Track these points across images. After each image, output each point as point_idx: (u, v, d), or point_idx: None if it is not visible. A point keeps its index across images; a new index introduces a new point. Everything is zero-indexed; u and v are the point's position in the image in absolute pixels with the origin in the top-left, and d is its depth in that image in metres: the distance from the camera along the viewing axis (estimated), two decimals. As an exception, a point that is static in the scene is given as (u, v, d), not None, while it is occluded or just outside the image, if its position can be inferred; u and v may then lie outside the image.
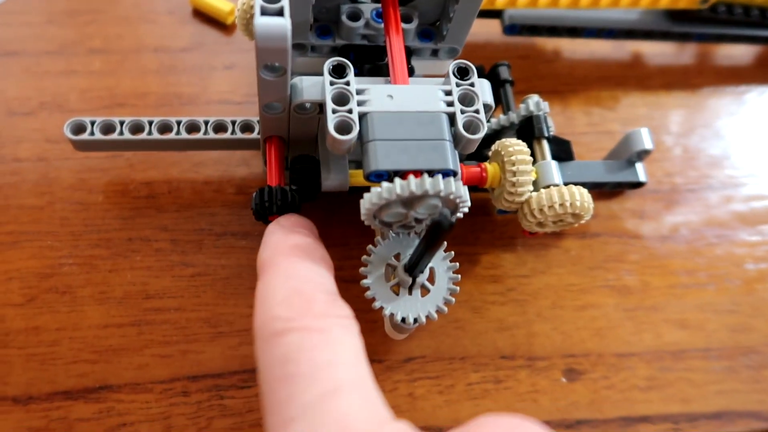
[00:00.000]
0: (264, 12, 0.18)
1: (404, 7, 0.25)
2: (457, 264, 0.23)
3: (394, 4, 0.24)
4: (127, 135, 0.27)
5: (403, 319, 0.21)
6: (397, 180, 0.20)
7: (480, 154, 0.29)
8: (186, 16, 0.36)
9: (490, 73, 0.32)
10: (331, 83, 0.21)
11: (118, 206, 0.28)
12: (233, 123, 0.27)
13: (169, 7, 0.36)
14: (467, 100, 0.22)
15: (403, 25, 0.25)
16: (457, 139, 0.22)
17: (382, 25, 0.25)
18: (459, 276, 0.22)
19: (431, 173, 0.21)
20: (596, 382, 0.27)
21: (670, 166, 0.34)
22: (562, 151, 0.29)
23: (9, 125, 0.30)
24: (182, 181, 0.29)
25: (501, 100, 0.31)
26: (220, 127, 0.27)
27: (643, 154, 0.30)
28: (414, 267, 0.21)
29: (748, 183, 0.34)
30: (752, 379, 0.28)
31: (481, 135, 0.21)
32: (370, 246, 0.22)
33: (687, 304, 0.30)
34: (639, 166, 0.30)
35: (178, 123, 0.27)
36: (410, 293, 0.22)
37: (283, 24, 0.18)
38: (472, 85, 0.22)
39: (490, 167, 0.25)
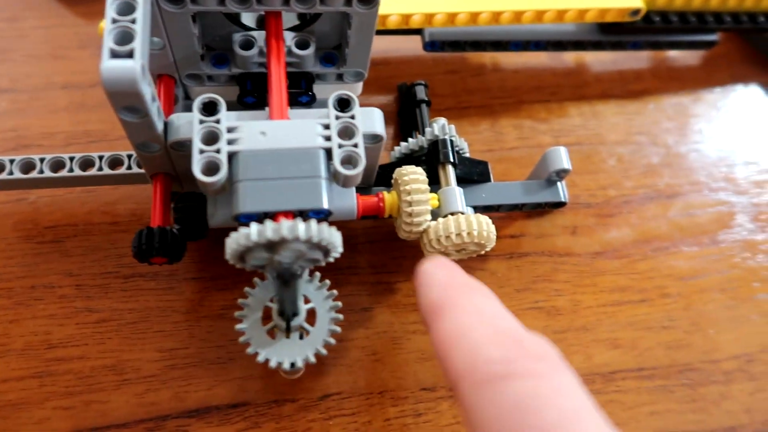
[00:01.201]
0: (114, 54, 0.18)
1: (300, 33, 0.25)
2: (340, 303, 0.23)
3: (277, 34, 0.23)
4: (18, 174, 0.26)
5: (280, 365, 0.21)
6: (253, 225, 0.19)
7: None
8: (97, 50, 0.35)
9: (406, 93, 0.32)
10: (201, 121, 0.21)
11: (21, 252, 0.28)
12: (129, 157, 0.27)
13: (79, 42, 0.35)
14: (347, 133, 0.22)
15: (300, 52, 0.24)
16: (336, 175, 0.21)
17: None
18: (341, 316, 0.22)
19: (304, 213, 0.20)
20: (523, 410, 0.27)
21: (604, 178, 0.34)
22: (478, 173, 0.29)
23: None
24: (90, 222, 0.29)
25: (417, 122, 0.31)
26: (116, 162, 0.27)
27: (562, 173, 0.29)
28: (281, 311, 0.21)
29: (688, 192, 0.34)
30: (688, 398, 0.28)
31: (359, 170, 0.21)
32: (247, 288, 0.22)
33: (619, 323, 0.29)
34: (560, 185, 0.30)
35: (71, 159, 0.27)
36: (288, 336, 0.21)
37: (132, 67, 0.18)
38: (352, 117, 0.22)
39: (388, 196, 0.25)
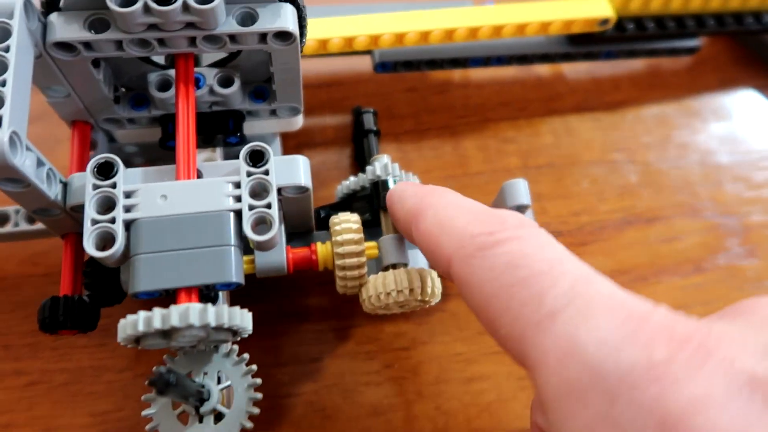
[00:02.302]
0: None
1: (224, 68, 0.24)
2: (259, 380, 0.21)
3: (187, 79, 0.22)
4: None
5: None
6: (142, 313, 0.18)
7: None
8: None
9: (354, 121, 0.30)
10: (95, 187, 0.19)
11: None
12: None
13: None
14: (261, 191, 0.20)
15: (224, 90, 0.23)
16: (248, 240, 0.20)
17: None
18: (260, 395, 0.21)
19: (210, 288, 0.19)
20: (485, 468, 0.26)
21: (577, 202, 0.32)
22: None
23: None
24: (18, 276, 0.28)
25: (364, 154, 0.29)
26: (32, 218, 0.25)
27: (522, 209, 0.27)
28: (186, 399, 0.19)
29: (670, 214, 0.31)
30: None
31: (273, 233, 0.19)
32: (156, 367, 0.20)
33: None
34: None
35: None
36: (200, 421, 0.20)
37: None
38: (266, 173, 0.20)
39: (321, 248, 0.23)
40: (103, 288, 0.22)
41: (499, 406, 0.27)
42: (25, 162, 0.18)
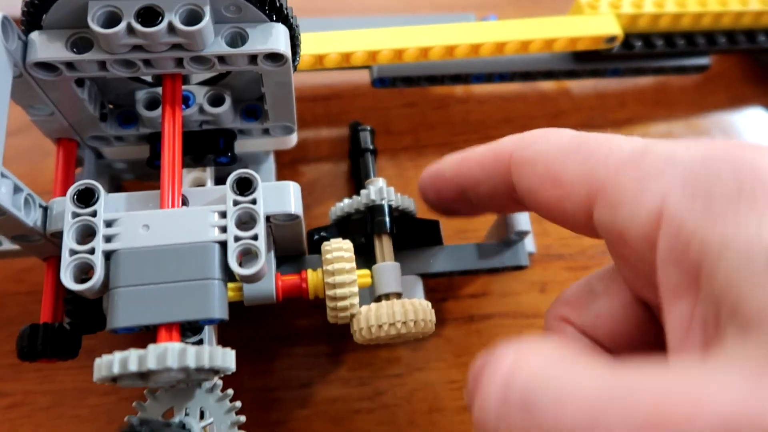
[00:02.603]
0: None
1: (215, 87, 0.23)
2: (243, 418, 0.20)
3: (173, 100, 0.21)
4: None
5: None
6: (117, 354, 0.17)
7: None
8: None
9: (351, 137, 0.29)
10: (74, 215, 0.18)
11: None
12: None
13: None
14: (248, 221, 0.19)
15: (213, 110, 0.22)
16: (233, 273, 0.19)
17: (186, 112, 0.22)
18: None
19: (193, 324, 0.18)
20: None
21: None
22: (428, 236, 0.26)
23: None
24: (2, 294, 0.27)
25: (361, 173, 0.28)
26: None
27: (523, 234, 0.26)
28: None
29: None
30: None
31: (259, 266, 0.18)
32: (137, 402, 0.19)
33: None
34: (520, 246, 0.26)
35: None
36: None
37: None
38: (254, 201, 0.19)
39: (312, 276, 0.22)
40: (84, 316, 0.21)
41: (493, 438, 0.26)
42: (0, 190, 0.17)
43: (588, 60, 0.32)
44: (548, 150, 0.17)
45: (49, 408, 0.25)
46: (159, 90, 0.23)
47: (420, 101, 0.34)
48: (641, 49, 0.31)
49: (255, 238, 0.18)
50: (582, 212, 0.16)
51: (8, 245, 0.24)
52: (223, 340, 0.22)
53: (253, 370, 0.26)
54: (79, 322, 0.21)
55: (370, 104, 0.33)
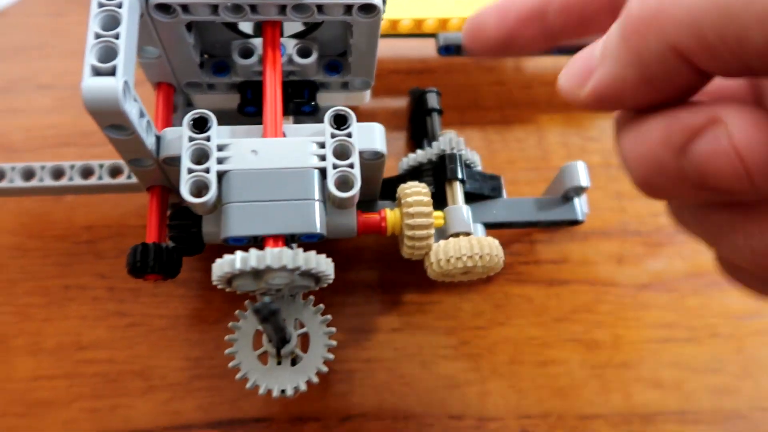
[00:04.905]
0: (96, 72, 0.16)
1: (304, 40, 0.23)
2: (334, 329, 0.20)
3: (274, 45, 0.21)
4: (18, 182, 0.25)
5: (269, 392, 0.20)
6: (238, 253, 0.18)
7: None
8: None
9: (417, 101, 0.29)
10: (190, 139, 0.19)
11: (56, 252, 0.27)
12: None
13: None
14: (344, 152, 0.19)
15: (302, 60, 0.22)
16: (330, 197, 0.19)
17: None
18: (335, 342, 0.20)
19: (295, 237, 0.18)
20: (553, 446, 0.23)
21: (656, 204, 0.30)
22: (490, 189, 0.26)
23: None
24: (124, 225, 0.27)
25: (428, 130, 0.28)
26: (116, 171, 0.25)
27: (579, 190, 0.26)
28: (270, 340, 0.19)
29: None
30: (734, 448, 0.26)
31: (354, 191, 0.19)
32: (239, 311, 0.20)
33: (663, 362, 0.26)
34: (576, 202, 0.26)
35: (72, 167, 0.25)
36: (279, 362, 0.20)
37: (113, 86, 0.16)
38: (349, 135, 0.19)
39: (390, 214, 0.22)
40: (185, 239, 0.21)
41: (571, 391, 0.25)
42: (132, 110, 0.17)
43: None
44: None
45: (163, 330, 0.25)
46: (253, 41, 0.23)
47: (508, 80, 0.32)
48: None
49: (351, 166, 0.19)
50: None
51: (107, 179, 0.25)
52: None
53: (348, 312, 0.26)
54: (181, 245, 0.22)
55: (462, 81, 0.32)
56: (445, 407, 0.25)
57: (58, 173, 0.25)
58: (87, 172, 0.25)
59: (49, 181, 0.24)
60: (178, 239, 0.21)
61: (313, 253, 0.18)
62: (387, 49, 0.31)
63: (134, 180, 0.24)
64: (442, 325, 0.27)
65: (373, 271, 0.28)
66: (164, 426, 0.24)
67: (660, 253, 0.29)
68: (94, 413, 0.24)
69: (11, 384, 0.25)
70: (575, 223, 0.27)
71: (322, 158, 0.19)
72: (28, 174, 0.25)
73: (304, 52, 0.23)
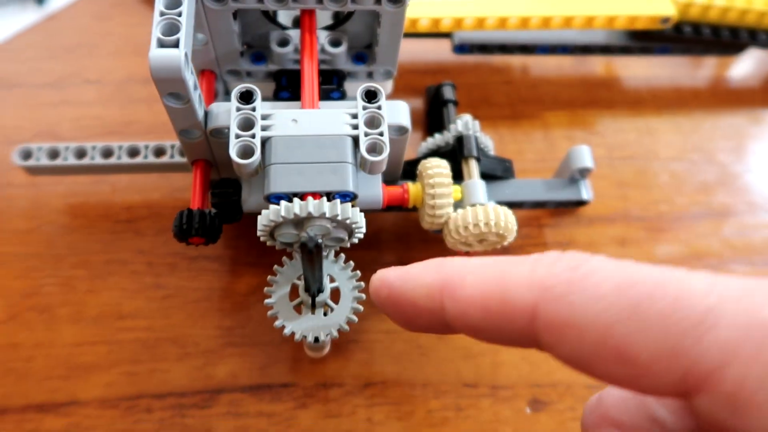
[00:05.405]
0: (161, 44, 0.18)
1: (334, 31, 0.25)
2: (363, 284, 0.22)
3: (310, 30, 0.23)
4: (72, 160, 0.26)
5: (305, 338, 0.21)
6: (283, 202, 0.19)
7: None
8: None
9: (433, 95, 0.30)
10: (238, 109, 0.21)
11: (99, 230, 0.28)
12: (172, 147, 0.27)
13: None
14: (374, 122, 0.21)
15: (333, 50, 0.24)
16: (362, 161, 0.21)
17: None
18: (363, 295, 0.22)
19: (330, 195, 0.20)
20: (562, 413, 0.25)
21: (657, 193, 0.31)
22: (502, 170, 0.27)
23: (5, 153, 0.30)
24: (162, 205, 0.29)
25: (444, 120, 0.29)
26: (160, 151, 0.27)
27: (585, 172, 0.27)
28: (307, 287, 0.21)
29: (743, 211, 0.31)
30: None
31: (384, 156, 0.20)
32: (276, 266, 0.22)
33: None
34: (582, 184, 0.28)
35: (120, 148, 0.26)
36: (313, 312, 0.21)
37: (177, 56, 0.18)
38: (379, 108, 0.21)
39: (413, 187, 0.24)
40: (227, 206, 0.23)
41: (579, 363, 0.29)
42: (189, 80, 0.19)
43: (642, 38, 0.33)
44: (595, 310, 0.13)
45: (197, 301, 0.27)
46: (289, 32, 0.25)
47: (516, 80, 0.34)
48: (690, 35, 0.32)
49: (381, 134, 0.21)
50: (669, 393, 0.12)
51: (152, 159, 0.27)
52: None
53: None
54: (222, 211, 0.23)
55: (474, 80, 0.34)
56: (460, 376, 0.27)
57: (107, 153, 0.27)
58: (134, 152, 0.26)
59: (99, 160, 0.26)
60: (220, 205, 0.23)
61: (348, 204, 0.20)
62: (405, 51, 0.33)
63: (176, 159, 0.26)
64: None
65: (393, 251, 0.30)
66: (198, 389, 0.26)
67: (660, 237, 0.31)
68: (133, 376, 0.26)
69: (56, 349, 0.26)
70: (581, 203, 0.29)
71: (355, 127, 0.21)
72: (81, 153, 0.27)
73: (335, 42, 0.25)
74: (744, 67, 0.37)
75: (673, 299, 0.12)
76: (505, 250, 0.29)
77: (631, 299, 0.13)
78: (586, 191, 0.28)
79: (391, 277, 0.17)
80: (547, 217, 0.30)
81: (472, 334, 0.15)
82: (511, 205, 0.27)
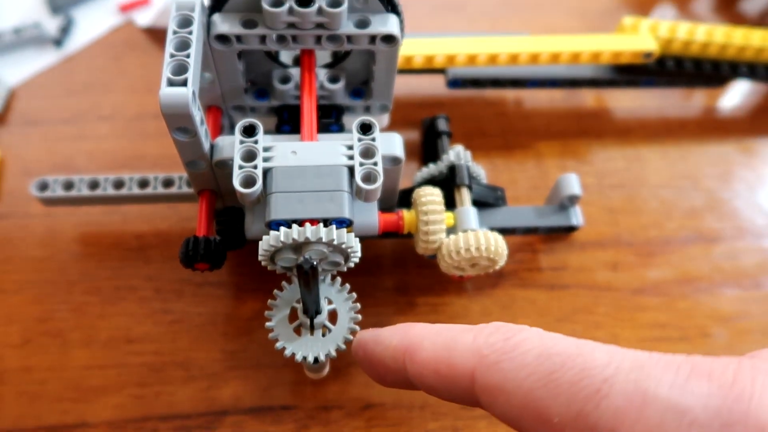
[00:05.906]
0: (170, 83, 0.19)
1: (333, 69, 0.26)
2: (359, 305, 0.22)
3: (310, 69, 0.24)
4: (85, 191, 0.28)
5: (304, 358, 0.22)
6: (283, 228, 0.20)
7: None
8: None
9: (428, 127, 0.31)
10: (241, 142, 0.22)
11: (110, 257, 0.29)
12: (180, 178, 0.28)
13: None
14: (369, 153, 0.22)
15: (331, 86, 0.25)
16: (358, 189, 0.22)
17: None
18: (360, 316, 0.22)
19: (327, 221, 0.21)
20: (557, 435, 0.28)
21: (646, 218, 0.32)
22: (494, 198, 0.28)
23: (24, 185, 0.31)
24: (170, 234, 0.30)
25: (438, 151, 0.30)
26: (168, 183, 0.28)
27: (574, 199, 0.28)
28: (305, 308, 0.22)
29: (731, 236, 0.32)
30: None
31: (378, 184, 0.21)
32: (276, 290, 0.23)
33: None
34: (572, 211, 0.29)
35: (130, 179, 0.28)
36: (312, 334, 0.22)
37: (185, 93, 0.19)
38: (373, 139, 0.22)
39: (407, 214, 0.25)
40: (231, 233, 0.24)
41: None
42: (196, 116, 0.20)
43: (627, 71, 0.34)
44: (520, 376, 0.15)
45: (203, 325, 0.27)
46: (290, 70, 0.26)
47: (509, 112, 0.36)
48: (672, 68, 0.33)
49: (375, 164, 0.22)
50: None
51: (161, 189, 0.28)
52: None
53: (369, 312, 0.27)
54: (226, 238, 0.25)
55: (468, 112, 0.35)
56: (457, 398, 0.27)
57: (119, 184, 0.28)
58: (144, 184, 0.28)
59: (111, 191, 0.28)
60: (224, 232, 0.24)
61: (344, 230, 0.21)
62: (401, 85, 0.35)
63: (184, 190, 0.27)
64: (454, 323, 0.30)
65: (391, 276, 0.30)
66: (202, 411, 0.26)
67: (651, 262, 0.32)
68: (140, 399, 0.27)
69: (67, 372, 0.27)
70: (571, 229, 0.30)
71: (351, 158, 0.22)
72: (94, 185, 0.28)
73: (333, 79, 0.26)
74: (732, 98, 0.38)
75: (579, 370, 0.15)
76: (500, 274, 0.30)
77: (547, 368, 0.15)
78: (575, 217, 0.29)
79: (366, 338, 0.20)
80: (541, 243, 0.31)
81: (428, 392, 0.18)
82: (504, 231, 0.28)
